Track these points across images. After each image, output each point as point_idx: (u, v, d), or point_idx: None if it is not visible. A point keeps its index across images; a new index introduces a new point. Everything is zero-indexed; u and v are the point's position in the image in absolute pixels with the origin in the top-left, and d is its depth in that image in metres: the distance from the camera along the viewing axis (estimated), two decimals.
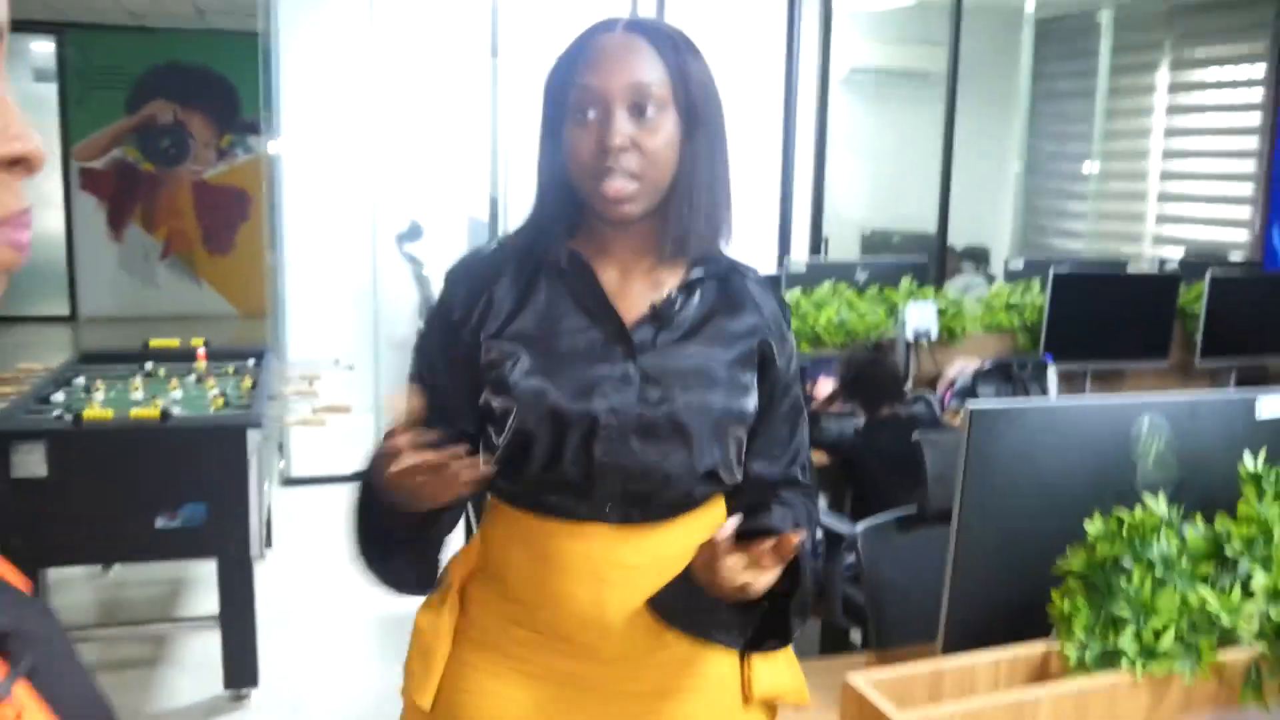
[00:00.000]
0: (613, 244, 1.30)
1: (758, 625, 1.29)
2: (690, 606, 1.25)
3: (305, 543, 4.54)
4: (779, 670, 1.36)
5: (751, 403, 1.30)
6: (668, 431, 1.24)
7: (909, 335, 3.53)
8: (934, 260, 5.01)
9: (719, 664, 1.32)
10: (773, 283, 1.35)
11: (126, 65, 9.30)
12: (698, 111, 1.24)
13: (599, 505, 1.25)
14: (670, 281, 1.30)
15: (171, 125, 9.53)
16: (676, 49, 1.24)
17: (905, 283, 3.78)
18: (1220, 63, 5.69)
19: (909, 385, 3.50)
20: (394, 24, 5.78)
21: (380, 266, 5.74)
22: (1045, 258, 6.27)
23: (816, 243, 5.12)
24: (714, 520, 1.31)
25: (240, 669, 3.15)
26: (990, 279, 5.57)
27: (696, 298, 1.30)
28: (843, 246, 5.75)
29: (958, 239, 5.40)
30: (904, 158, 6.23)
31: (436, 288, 5.00)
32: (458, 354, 1.29)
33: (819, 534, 1.39)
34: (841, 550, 2.65)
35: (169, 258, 9.81)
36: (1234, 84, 5.60)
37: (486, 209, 5.34)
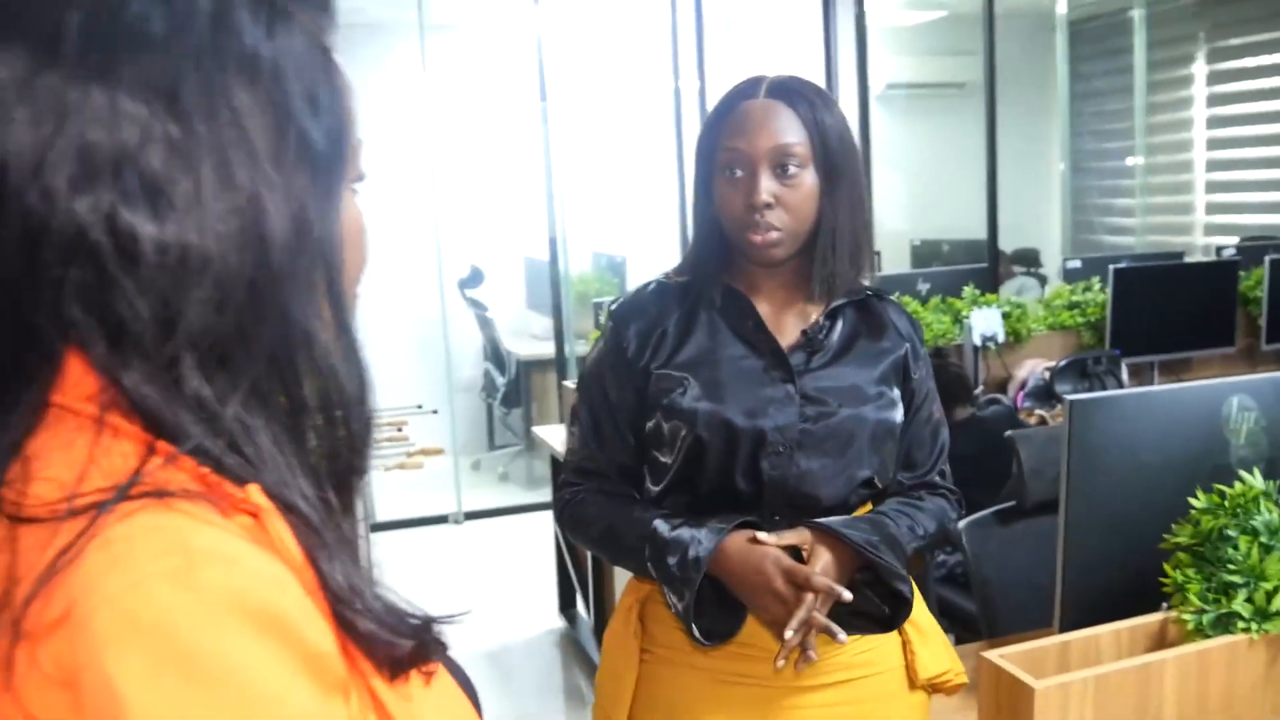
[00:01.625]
0: (763, 281, 1.45)
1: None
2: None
3: (397, 583, 4.68)
4: (939, 654, 1.48)
5: (898, 414, 1.44)
6: (828, 445, 1.37)
7: (976, 340, 3.62)
8: (988, 263, 5.08)
9: (887, 654, 1.45)
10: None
11: None
12: (836, 164, 1.38)
13: (767, 516, 1.39)
14: (815, 310, 1.44)
15: None
16: (813, 108, 1.38)
17: (968, 290, 3.87)
18: (1256, 51, 5.73)
19: (980, 389, 3.59)
20: (443, 72, 5.98)
21: (447, 312, 5.91)
22: (1098, 255, 6.32)
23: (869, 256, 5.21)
24: None
25: None
26: (1042, 280, 5.62)
27: (840, 322, 1.45)
28: (894, 260, 5.82)
29: (1007, 243, 5.47)
30: (947, 168, 6.30)
31: (501, 330, 5.13)
32: (631, 386, 1.44)
33: (950, 527, 1.52)
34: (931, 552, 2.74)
35: None
36: (1275, 69, 5.65)
37: (545, 249, 5.48)
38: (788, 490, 1.38)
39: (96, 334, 0.51)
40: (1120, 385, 3.21)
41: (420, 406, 4.35)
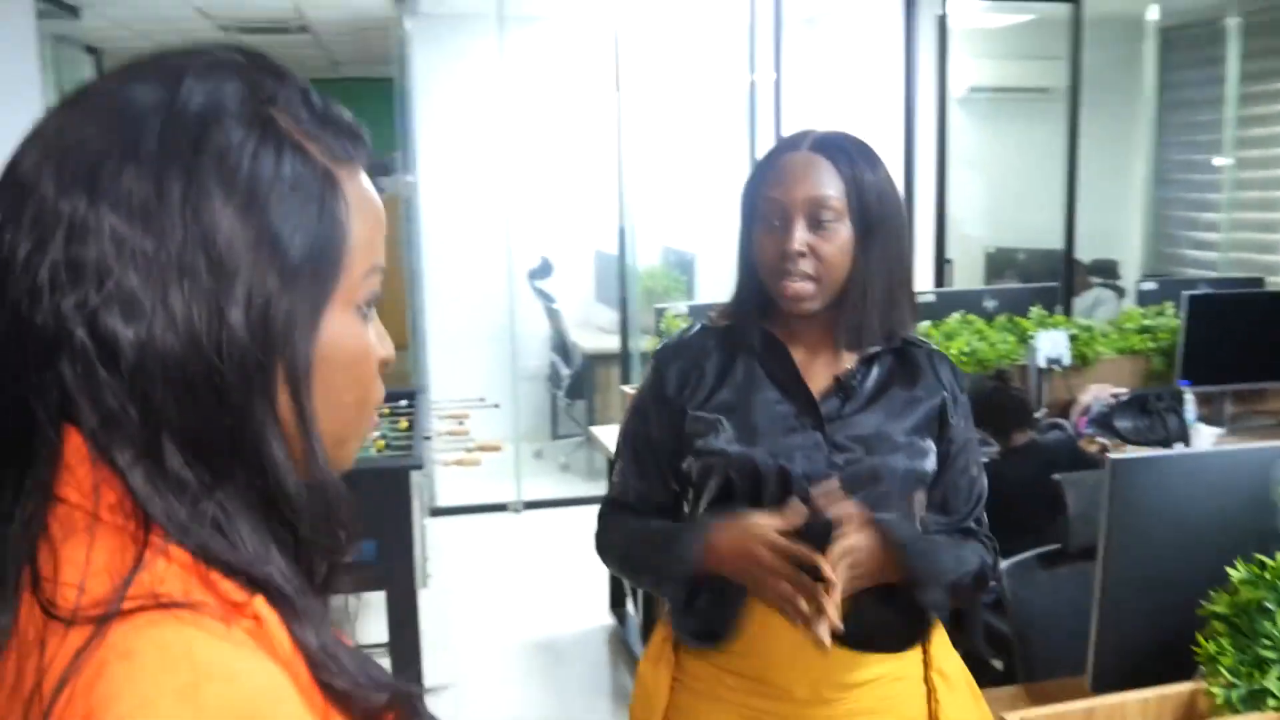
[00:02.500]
0: (799, 329, 1.47)
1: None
2: (862, 622, 1.38)
3: (455, 570, 4.78)
4: (965, 706, 1.49)
5: (930, 463, 1.45)
6: (853, 493, 1.38)
7: (1040, 363, 3.56)
8: (1062, 277, 4.99)
9: (910, 701, 1.47)
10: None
11: None
12: (871, 218, 1.40)
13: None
14: (850, 358, 1.46)
15: None
16: (853, 163, 1.40)
17: (1035, 311, 3.81)
18: None
19: (1042, 412, 3.53)
20: (520, 64, 6.03)
21: (515, 302, 5.97)
22: (1177, 270, 6.16)
23: (940, 265, 5.15)
24: None
25: None
26: (1120, 293, 5.50)
27: (875, 370, 1.46)
28: (966, 267, 5.73)
29: (1085, 253, 5.36)
30: (1026, 174, 6.19)
31: (568, 321, 5.19)
32: (670, 425, 1.49)
33: (987, 572, 1.51)
34: None
35: None
36: None
37: (615, 242, 5.51)
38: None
39: (91, 417, 0.56)
40: (1182, 424, 3.14)
41: (483, 399, 4.42)
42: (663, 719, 1.51)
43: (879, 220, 1.40)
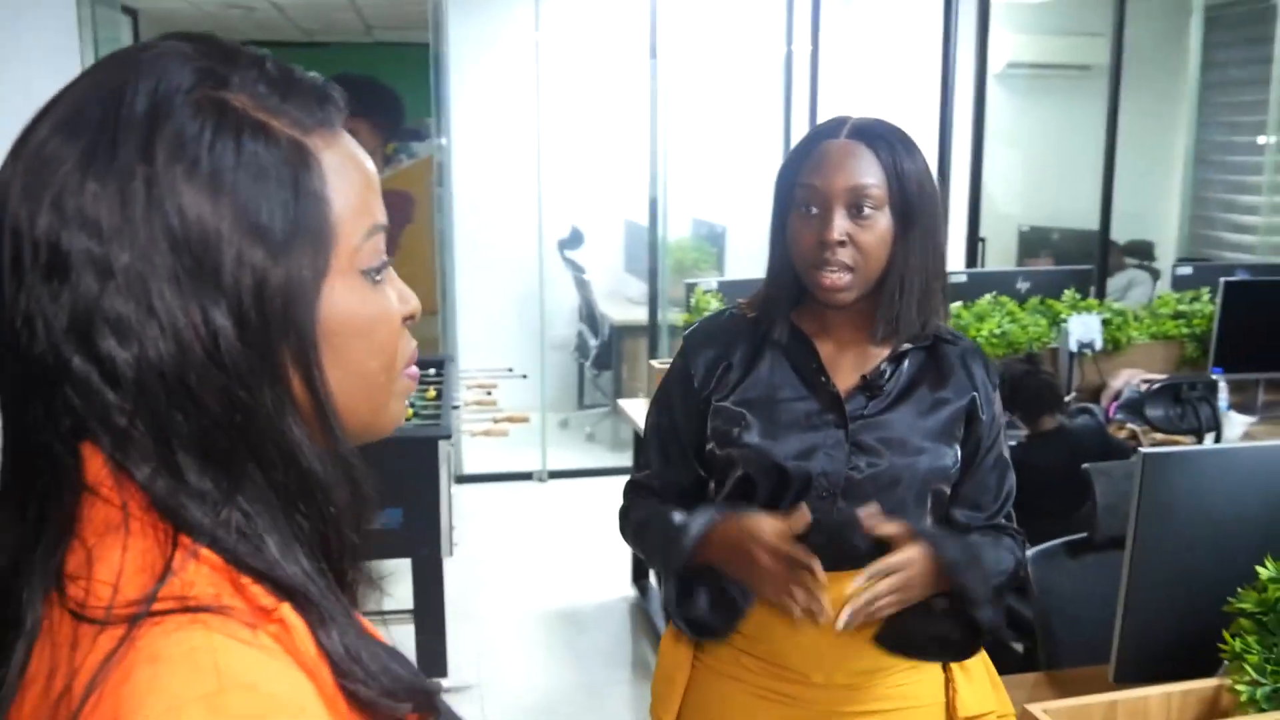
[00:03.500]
0: (831, 320, 1.46)
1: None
2: (908, 633, 1.40)
3: (480, 538, 4.82)
4: (983, 693, 1.49)
5: (952, 459, 1.44)
6: (871, 493, 1.38)
7: (1072, 346, 3.53)
8: (1097, 258, 4.94)
9: (928, 689, 1.47)
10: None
11: None
12: (911, 208, 1.38)
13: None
14: (880, 353, 1.45)
15: None
16: (893, 151, 1.38)
17: (1068, 294, 3.77)
18: None
19: (1072, 396, 3.51)
20: (556, 29, 5.99)
21: (545, 272, 5.96)
22: (1214, 253, 6.08)
23: (973, 243, 5.10)
24: None
25: (432, 660, 3.40)
26: (1155, 274, 5.44)
27: (904, 367, 1.45)
28: (1000, 245, 5.68)
29: (1120, 233, 5.29)
30: (1063, 152, 6.11)
31: (597, 292, 5.16)
32: (695, 413, 1.49)
33: (1019, 570, 1.51)
34: None
35: None
36: None
37: (645, 212, 5.49)
38: (827, 534, 1.40)
39: (105, 436, 0.57)
40: (1214, 414, 3.10)
41: (511, 370, 4.43)
42: (683, 695, 1.53)
43: (918, 210, 1.38)
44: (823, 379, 1.44)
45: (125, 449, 0.57)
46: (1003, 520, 1.52)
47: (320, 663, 0.58)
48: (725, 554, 1.38)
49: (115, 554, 0.56)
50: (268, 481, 0.60)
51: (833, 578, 1.41)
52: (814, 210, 1.38)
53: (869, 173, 1.37)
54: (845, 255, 1.37)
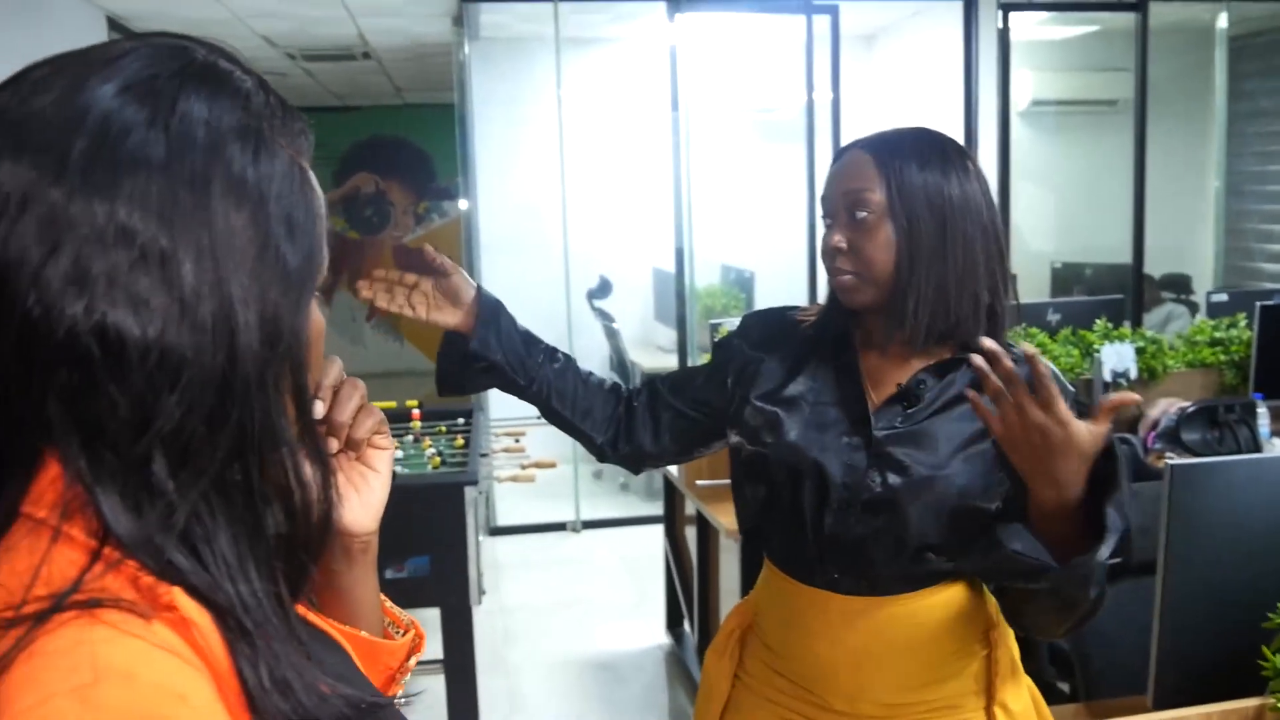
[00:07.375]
0: (875, 329, 1.44)
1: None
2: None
3: (514, 589, 4.78)
4: None
5: (990, 480, 1.35)
6: (886, 509, 1.35)
7: (1106, 376, 3.47)
8: (1131, 291, 4.87)
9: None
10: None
11: (332, 142, 10.01)
12: (915, 217, 1.35)
13: (828, 574, 1.39)
14: (918, 363, 1.41)
15: (374, 195, 10.19)
16: (899, 160, 1.36)
17: (1100, 324, 3.71)
18: None
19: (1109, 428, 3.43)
20: (578, 84, 6.06)
21: (574, 322, 5.98)
22: (1252, 283, 5.98)
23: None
24: (948, 603, 1.39)
25: (463, 712, 3.36)
26: (1193, 308, 5.35)
27: (947, 380, 1.39)
28: (1032, 283, 5.62)
29: (1155, 268, 5.22)
30: (1093, 188, 6.07)
31: (627, 340, 5.14)
32: (718, 378, 1.53)
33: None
34: None
35: (374, 318, 10.44)
36: None
37: (672, 260, 5.50)
38: (845, 548, 1.37)
39: (72, 433, 0.56)
40: (1253, 437, 3.02)
41: (540, 419, 4.41)
42: (722, 711, 1.54)
43: (924, 221, 1.34)
44: (857, 392, 1.42)
45: (94, 446, 0.56)
46: None
47: (230, 672, 0.56)
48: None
49: (32, 558, 0.55)
50: (242, 483, 0.60)
51: (856, 602, 1.37)
52: (827, 220, 1.43)
53: (864, 180, 1.37)
54: (845, 262, 1.38)
